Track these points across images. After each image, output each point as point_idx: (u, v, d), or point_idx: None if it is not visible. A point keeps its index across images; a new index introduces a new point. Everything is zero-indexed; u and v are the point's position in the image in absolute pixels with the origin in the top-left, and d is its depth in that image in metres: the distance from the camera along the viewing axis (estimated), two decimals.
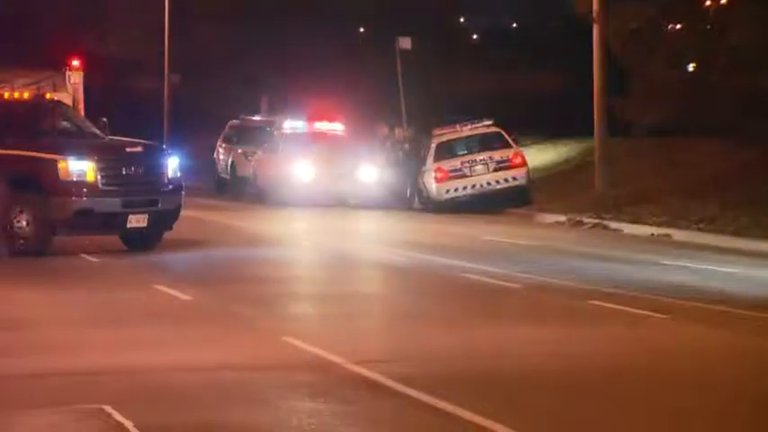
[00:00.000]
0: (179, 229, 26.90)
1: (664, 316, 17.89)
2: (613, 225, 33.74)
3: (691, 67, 36.60)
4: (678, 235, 31.02)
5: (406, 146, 43.60)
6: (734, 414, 12.03)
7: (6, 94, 27.99)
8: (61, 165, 24.76)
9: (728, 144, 36.64)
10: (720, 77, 35.24)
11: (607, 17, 37.43)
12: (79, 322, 17.78)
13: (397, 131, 46.04)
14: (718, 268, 24.57)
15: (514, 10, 67.07)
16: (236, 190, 45.26)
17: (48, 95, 29.56)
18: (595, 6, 37.28)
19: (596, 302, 19.24)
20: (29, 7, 68.38)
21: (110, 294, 20.63)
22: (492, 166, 39.31)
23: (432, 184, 39.43)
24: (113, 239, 25.80)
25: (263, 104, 49.34)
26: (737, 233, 29.45)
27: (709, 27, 38.27)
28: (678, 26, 39.36)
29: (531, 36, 61.89)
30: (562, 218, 36.13)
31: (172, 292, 20.08)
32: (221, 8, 62.17)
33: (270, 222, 35.45)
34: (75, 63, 33.65)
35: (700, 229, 30.93)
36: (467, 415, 11.29)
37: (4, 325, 17.25)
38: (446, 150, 39.92)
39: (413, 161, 41.65)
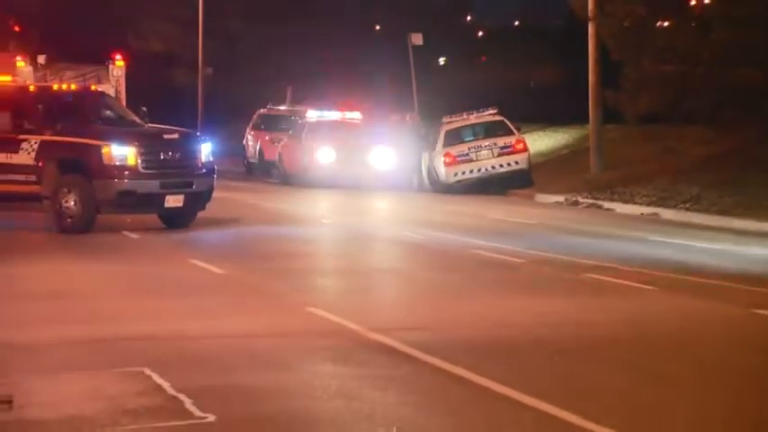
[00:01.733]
0: (212, 209, 26.91)
1: (651, 287, 17.94)
2: (606, 205, 33.72)
3: (677, 62, 36.50)
4: (665, 214, 30.99)
5: (422, 131, 43.64)
6: (711, 373, 12.21)
7: (55, 86, 28.03)
8: (105, 150, 24.79)
9: (711, 132, 36.63)
10: (704, 72, 35.15)
11: (601, 16, 37.44)
12: (121, 293, 17.83)
13: (409, 116, 46.12)
14: (700, 244, 24.54)
15: (517, 9, 67.05)
16: (264, 173, 45.21)
17: (93, 87, 29.56)
18: (591, 6, 37.28)
19: (591, 275, 19.28)
20: (76, 8, 68.42)
21: (149, 268, 20.67)
22: (496, 151, 39.30)
23: (441, 167, 39.41)
24: (152, 218, 25.82)
25: (288, 95, 49.29)
26: (719, 212, 29.41)
27: (694, 25, 38.18)
28: (666, 24, 39.26)
29: (533, 33, 61.90)
30: (560, 198, 36.10)
31: (206, 266, 20.12)
32: (251, 7, 62.10)
33: (294, 202, 35.46)
34: (118, 58, 33.64)
35: (685, 209, 30.90)
36: (476, 378, 11.42)
37: (53, 295, 17.37)
38: (454, 137, 39.89)
39: (423, 146, 41.63)
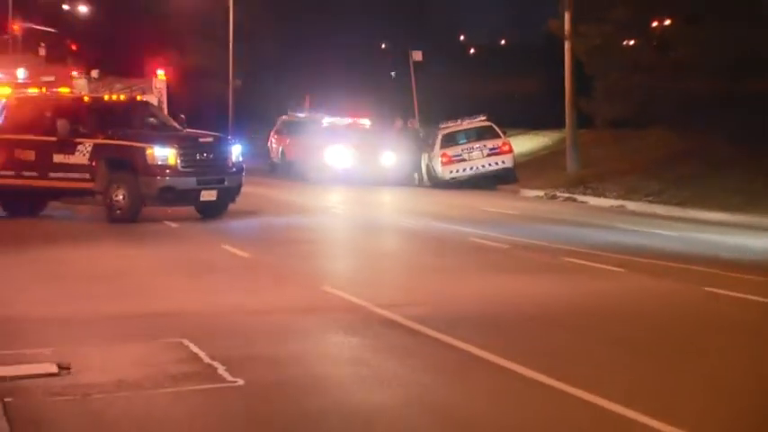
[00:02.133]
0: (240, 202, 26.92)
1: (618, 269, 17.92)
2: (580, 198, 33.67)
3: (641, 75, 36.53)
4: (631, 206, 30.95)
5: (421, 134, 43.68)
6: (664, 339, 12.28)
7: (106, 97, 28.06)
8: (149, 151, 24.83)
9: (671, 135, 36.59)
10: (664, 83, 35.15)
11: (575, 36, 37.41)
12: (162, 274, 17.85)
13: (410, 122, 46.16)
14: (661, 232, 24.54)
15: (504, 29, 66.83)
16: (285, 171, 45.16)
17: (138, 97, 29.57)
18: (567, 27, 37.24)
19: (567, 259, 19.28)
20: (124, 28, 68.44)
21: (186, 253, 20.70)
22: (485, 152, 39.31)
23: (438, 166, 39.43)
24: (190, 210, 25.81)
25: (307, 103, 49.28)
26: (678, 204, 29.41)
27: (655, 44, 38.17)
28: (631, 42, 39.25)
29: (517, 50, 61.79)
30: (541, 193, 36.05)
31: (235, 251, 20.10)
32: (274, 27, 62.07)
33: (311, 196, 35.41)
34: (160, 72, 33.63)
35: (648, 201, 30.87)
36: (466, 346, 11.51)
37: (104, 276, 17.37)
38: (449, 140, 39.90)
39: (423, 148, 41.65)
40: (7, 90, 28.35)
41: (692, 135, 35.67)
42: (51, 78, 32.03)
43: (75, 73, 34.30)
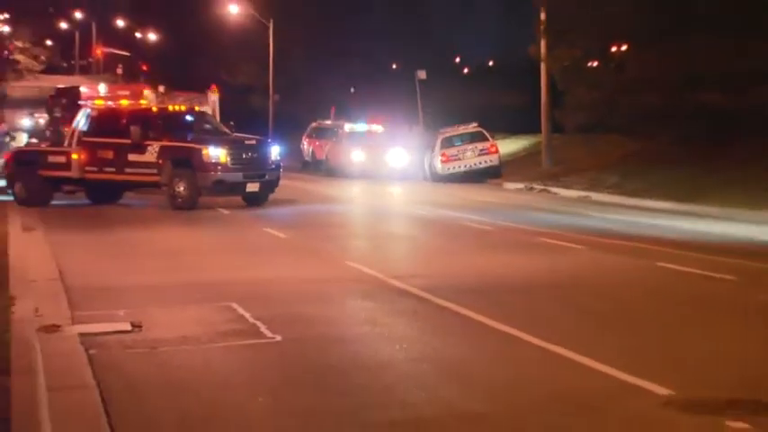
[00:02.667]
0: (278, 192, 26.93)
1: (584, 247, 17.94)
2: (553, 190, 33.55)
3: (602, 91, 36.53)
4: (594, 196, 30.83)
5: (425, 138, 43.62)
6: (625, 304, 12.28)
7: (171, 107, 28.07)
8: (205, 152, 24.88)
9: (626, 138, 36.50)
10: (621, 97, 35.11)
11: (549, 58, 37.37)
12: (215, 251, 17.95)
13: (414, 128, 46.22)
14: (619, 217, 24.45)
15: (492, 52, 66.67)
16: (315, 168, 45.12)
17: (196, 108, 29.58)
18: (543, 51, 37.17)
19: (542, 239, 19.23)
20: (184, 53, 68.48)
21: (235, 234, 20.78)
22: (477, 152, 39.24)
23: (438, 164, 39.32)
24: (237, 199, 25.84)
25: (332, 113, 49.19)
26: (632, 194, 29.30)
27: (613, 65, 38.11)
28: (595, 64, 39.16)
29: (502, 69, 61.63)
30: (521, 185, 35.90)
31: (274, 232, 20.13)
32: (307, 51, 62.07)
33: (335, 188, 35.42)
34: (213, 88, 33.62)
35: (608, 192, 30.78)
36: (462, 310, 11.54)
37: (168, 252, 17.53)
38: (448, 142, 39.78)
39: (426, 149, 41.60)
40: (91, 102, 28.48)
41: (642, 139, 35.71)
42: (127, 93, 32.14)
43: (145, 90, 34.34)
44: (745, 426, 7.05)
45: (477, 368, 9.13)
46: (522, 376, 8.78)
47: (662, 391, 7.97)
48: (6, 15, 65.46)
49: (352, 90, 62.94)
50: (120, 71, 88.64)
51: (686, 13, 31.98)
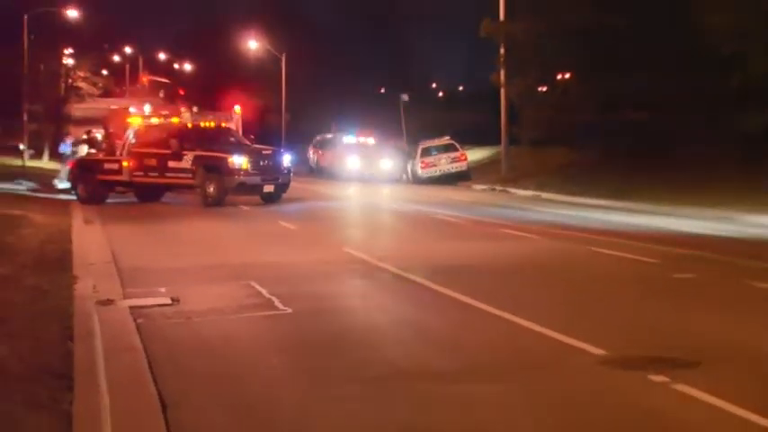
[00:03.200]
0: (289, 193, 26.90)
1: (533, 236, 17.89)
2: (511, 191, 33.51)
3: (550, 112, 36.63)
4: (543, 195, 30.81)
5: (407, 148, 43.62)
6: (566, 280, 12.15)
7: (202, 124, 27.99)
8: (230, 160, 24.86)
9: (569, 150, 36.50)
10: (563, 116, 35.18)
11: (507, 85, 37.38)
12: (238, 239, 17.89)
13: (399, 141, 46.28)
14: (563, 212, 24.43)
15: (462, 79, 66.84)
16: (318, 173, 45.02)
17: (223, 124, 29.49)
18: (502, 79, 37.18)
19: (501, 230, 19.20)
20: (214, 80, 68.39)
21: (254, 226, 20.68)
22: (449, 160, 39.25)
23: (418, 169, 39.33)
24: (256, 198, 25.80)
25: (333, 127, 49.14)
26: (572, 194, 29.31)
27: (558, 91, 38.11)
28: (544, 89, 39.17)
29: (470, 94, 61.63)
30: (485, 187, 35.85)
31: (286, 224, 20.09)
32: (312, 78, 62.01)
33: (334, 188, 35.32)
34: (237, 107, 33.50)
35: (554, 192, 30.78)
36: (436, 287, 11.53)
37: (199, 240, 17.52)
38: (426, 152, 39.74)
39: (408, 157, 41.59)
40: (138, 119, 28.43)
41: (580, 150, 35.75)
42: (166, 112, 32.04)
43: (182, 109, 34.28)
44: (666, 379, 7.08)
45: (446, 332, 9.19)
46: (483, 339, 8.81)
47: (597, 351, 8.00)
48: (71, 50, 65.35)
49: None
50: (161, 95, 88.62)
51: (613, 53, 32.30)
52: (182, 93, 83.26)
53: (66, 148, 39.35)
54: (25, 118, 44.33)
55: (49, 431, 5.75)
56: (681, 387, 6.88)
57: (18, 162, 40.87)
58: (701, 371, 7.38)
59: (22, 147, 43.44)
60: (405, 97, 50.37)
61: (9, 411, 5.93)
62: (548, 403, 6.68)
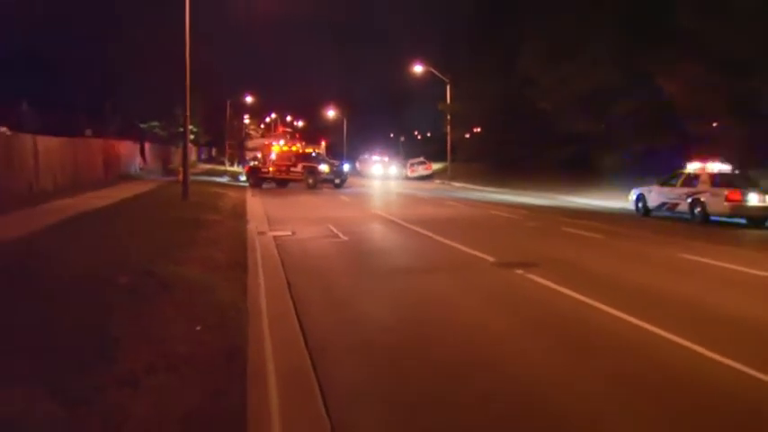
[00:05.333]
0: (347, 184, 26.54)
1: (461, 205, 17.35)
2: (452, 183, 32.63)
3: (480, 145, 35.80)
4: (468, 186, 30.16)
5: (403, 161, 42.83)
6: (479, 226, 11.73)
7: (306, 150, 27.53)
8: (319, 167, 24.69)
9: (487, 164, 35.28)
10: (483, 147, 34.58)
11: (451, 131, 36.66)
12: (320, 205, 17.17)
13: (399, 159, 45.66)
14: (477, 195, 23.92)
15: (429, 128, 64.58)
16: (360, 175, 44.09)
17: (316, 150, 29.07)
18: (448, 130, 36.52)
19: (447, 202, 18.82)
20: (311, 130, 67.18)
21: (329, 198, 19.96)
22: (423, 168, 38.83)
23: (408, 172, 38.84)
24: (330, 185, 25.16)
25: (367, 152, 48.20)
26: (484, 185, 28.80)
27: (475, 136, 37.23)
28: (478, 130, 37.99)
29: (433, 136, 60.33)
30: (440, 182, 35.00)
31: (345, 198, 19.50)
32: (355, 125, 59.99)
33: (367, 182, 34.71)
34: (323, 143, 33.11)
35: (473, 184, 30.25)
36: (424, 231, 11.16)
37: (302, 204, 16.73)
38: (412, 164, 39.30)
39: (403, 166, 40.91)
40: (277, 148, 28.10)
41: (486, 163, 35.00)
42: (290, 144, 31.61)
43: (297, 143, 33.92)
44: (522, 271, 7.03)
45: (419, 250, 9.04)
46: (436, 253, 8.69)
47: (491, 259, 7.92)
48: (247, 115, 65.23)
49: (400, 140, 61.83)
50: (288, 136, 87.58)
51: (501, 119, 31.48)
52: (297, 135, 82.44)
53: (243, 162, 39.33)
54: (227, 147, 47.56)
55: (233, 293, 5.62)
56: (529, 275, 6.86)
57: (222, 168, 41.03)
58: (539, 268, 7.34)
59: (225, 160, 45.74)
60: (402, 138, 49.70)
61: (214, 282, 5.93)
62: (467, 281, 6.68)
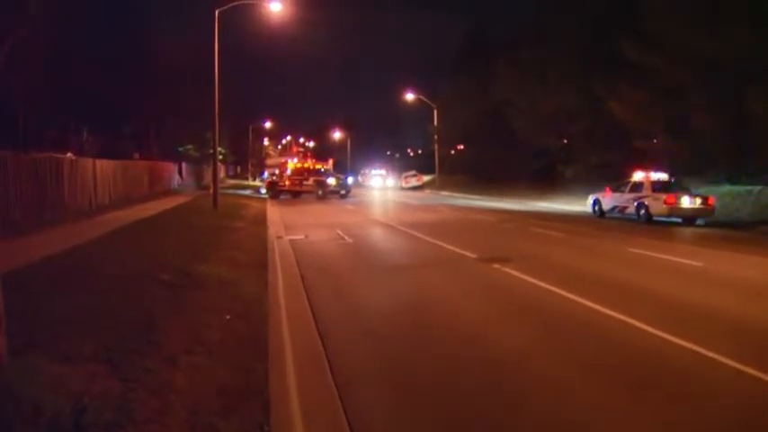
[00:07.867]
0: (351, 195, 26.29)
1: (448, 210, 17.20)
2: (440, 192, 32.40)
3: (463, 162, 35.65)
4: (455, 195, 29.87)
5: (400, 174, 42.72)
6: (464, 228, 11.62)
7: (316, 166, 27.19)
8: (327, 180, 24.46)
9: (468, 176, 35.02)
10: (461, 162, 34.51)
11: (438, 149, 36.65)
12: (328, 212, 16.90)
13: (395, 173, 45.56)
14: (461, 201, 23.70)
15: (420, 146, 64.22)
16: (362, 186, 43.88)
17: (325, 166, 28.83)
18: (436, 147, 36.51)
19: (440, 208, 18.58)
20: (322, 150, 66.92)
21: (335, 207, 19.59)
22: (415, 179, 38.76)
23: (403, 183, 38.79)
24: (336, 196, 24.99)
25: (368, 167, 48.11)
26: (467, 193, 28.69)
27: (459, 152, 37.12)
28: (461, 147, 37.82)
29: (424, 152, 60.15)
30: (429, 191, 34.89)
31: (349, 207, 19.26)
32: (360, 145, 59.68)
33: (369, 192, 34.65)
34: (330, 160, 32.90)
35: (459, 192, 30.04)
36: (418, 234, 11.02)
37: (313, 212, 16.54)
38: (407, 176, 39.22)
39: (400, 177, 40.80)
40: (292, 165, 27.94)
41: (469, 175, 34.77)
42: (303, 162, 31.50)
43: (309, 160, 33.81)
44: (499, 266, 7.02)
45: (414, 250, 8.95)
46: (426, 252, 8.63)
47: (473, 255, 7.89)
48: (266, 138, 65.26)
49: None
50: (301, 154, 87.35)
51: (479, 138, 31.39)
52: (309, 154, 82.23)
53: (264, 176, 39.31)
54: (249, 165, 48.41)
55: (256, 287, 5.44)
56: (505, 269, 6.87)
57: (246, 183, 40.88)
58: (512, 262, 7.35)
59: (248, 176, 44.63)
60: (397, 155, 49.64)
61: (240, 278, 5.93)
62: (453, 274, 6.67)
